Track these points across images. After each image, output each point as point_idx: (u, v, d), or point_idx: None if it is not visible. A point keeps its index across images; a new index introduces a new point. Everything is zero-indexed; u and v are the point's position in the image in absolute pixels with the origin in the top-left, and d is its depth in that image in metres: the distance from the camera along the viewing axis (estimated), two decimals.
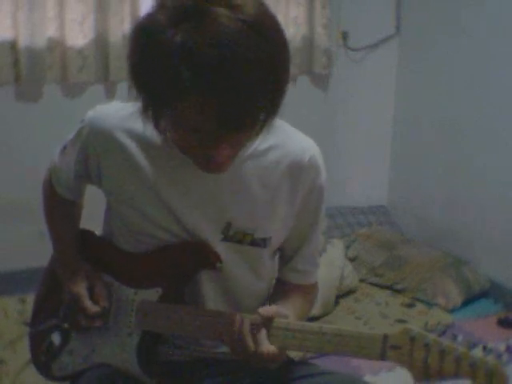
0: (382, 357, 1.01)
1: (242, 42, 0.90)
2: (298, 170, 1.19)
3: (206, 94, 0.91)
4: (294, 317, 1.18)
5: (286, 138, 1.19)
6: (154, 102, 0.97)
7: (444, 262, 3.09)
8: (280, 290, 1.30)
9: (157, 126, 1.02)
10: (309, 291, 1.32)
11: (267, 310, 1.09)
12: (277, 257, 1.31)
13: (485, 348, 0.95)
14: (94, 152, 1.19)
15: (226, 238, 1.18)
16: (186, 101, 0.93)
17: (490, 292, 3.06)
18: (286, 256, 1.30)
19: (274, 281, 1.33)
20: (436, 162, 3.39)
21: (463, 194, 3.23)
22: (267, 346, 1.06)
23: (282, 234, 1.24)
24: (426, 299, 2.94)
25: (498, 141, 2.99)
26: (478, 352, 0.96)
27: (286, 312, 1.11)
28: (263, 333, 1.07)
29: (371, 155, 3.66)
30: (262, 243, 1.20)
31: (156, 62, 0.92)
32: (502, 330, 2.73)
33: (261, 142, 1.16)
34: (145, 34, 0.94)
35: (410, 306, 2.91)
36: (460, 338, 1.00)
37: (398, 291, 3.02)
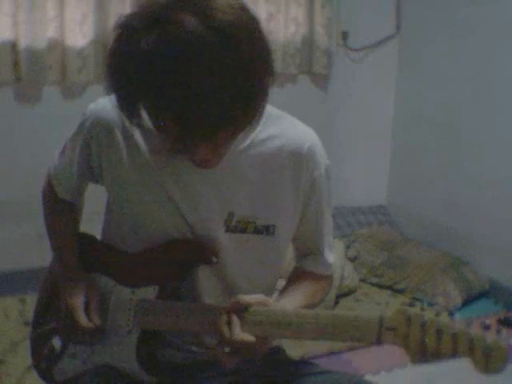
0: (379, 339, 1.00)
1: (205, 49, 0.89)
2: (298, 159, 1.19)
3: (165, 101, 0.91)
4: (303, 303, 1.20)
5: (285, 128, 1.20)
6: (122, 102, 0.98)
7: (444, 262, 3.09)
8: (294, 278, 1.31)
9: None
10: (323, 280, 1.32)
11: (247, 297, 1.09)
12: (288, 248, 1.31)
13: (483, 325, 0.93)
14: (97, 143, 1.19)
15: (229, 229, 1.19)
16: (148, 106, 0.94)
17: (490, 292, 3.06)
18: (300, 246, 1.31)
19: (280, 272, 1.33)
20: (436, 162, 3.39)
21: (463, 194, 3.23)
22: (241, 335, 1.05)
23: (290, 224, 1.24)
24: (426, 299, 2.93)
25: (497, 141, 2.99)
26: (476, 329, 0.94)
27: (270, 302, 1.10)
28: (235, 321, 1.06)
29: (371, 155, 3.66)
30: (264, 230, 1.20)
31: (122, 66, 0.94)
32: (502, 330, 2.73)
33: (260, 132, 1.17)
34: (118, 36, 0.95)
35: (410, 306, 2.90)
36: (457, 316, 0.98)
37: (398, 291, 3.02)
